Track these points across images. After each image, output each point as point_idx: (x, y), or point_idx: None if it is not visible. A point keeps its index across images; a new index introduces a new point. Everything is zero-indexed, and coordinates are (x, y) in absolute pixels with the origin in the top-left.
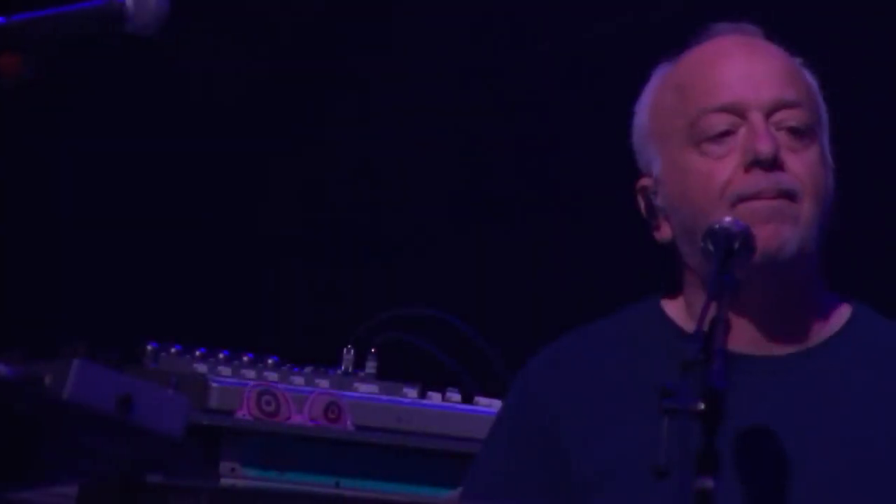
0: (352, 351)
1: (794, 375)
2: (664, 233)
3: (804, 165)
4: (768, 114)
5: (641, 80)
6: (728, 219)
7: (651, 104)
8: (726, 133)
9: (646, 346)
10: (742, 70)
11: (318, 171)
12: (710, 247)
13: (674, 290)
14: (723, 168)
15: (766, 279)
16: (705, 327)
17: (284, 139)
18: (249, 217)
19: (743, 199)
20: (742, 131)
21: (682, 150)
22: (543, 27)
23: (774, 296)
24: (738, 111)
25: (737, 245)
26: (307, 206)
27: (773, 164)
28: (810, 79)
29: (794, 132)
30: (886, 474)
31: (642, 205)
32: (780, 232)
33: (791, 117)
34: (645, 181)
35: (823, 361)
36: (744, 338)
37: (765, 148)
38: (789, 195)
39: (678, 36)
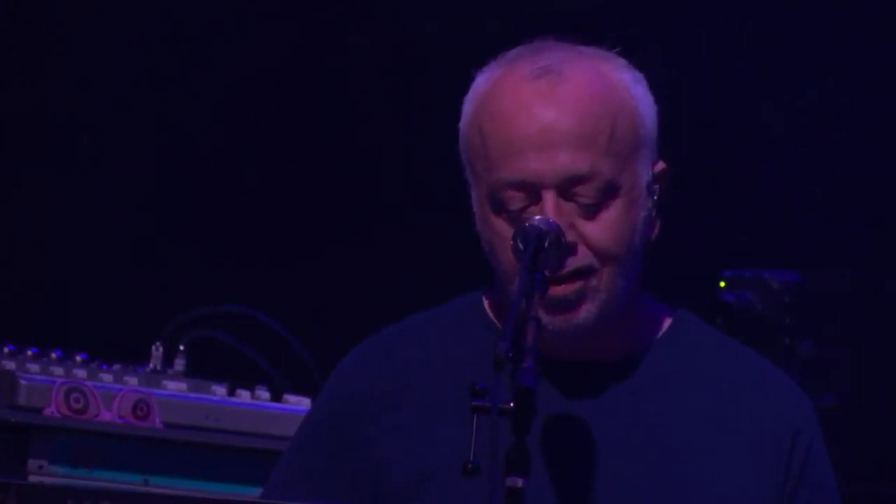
0: (160, 348)
1: (614, 381)
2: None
3: (602, 230)
4: (563, 189)
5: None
6: (538, 217)
7: (464, 133)
8: (524, 207)
9: (463, 342)
10: (537, 138)
11: (143, 168)
12: (521, 245)
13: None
14: None
15: (567, 342)
16: (516, 325)
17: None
18: (57, 212)
19: None
20: (539, 207)
21: (487, 205)
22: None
23: (583, 338)
24: (533, 189)
25: (547, 243)
26: (120, 204)
27: None
28: (621, 102)
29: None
30: (692, 481)
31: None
32: (572, 319)
33: (585, 192)
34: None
35: (642, 367)
36: (567, 347)
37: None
38: (584, 274)
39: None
